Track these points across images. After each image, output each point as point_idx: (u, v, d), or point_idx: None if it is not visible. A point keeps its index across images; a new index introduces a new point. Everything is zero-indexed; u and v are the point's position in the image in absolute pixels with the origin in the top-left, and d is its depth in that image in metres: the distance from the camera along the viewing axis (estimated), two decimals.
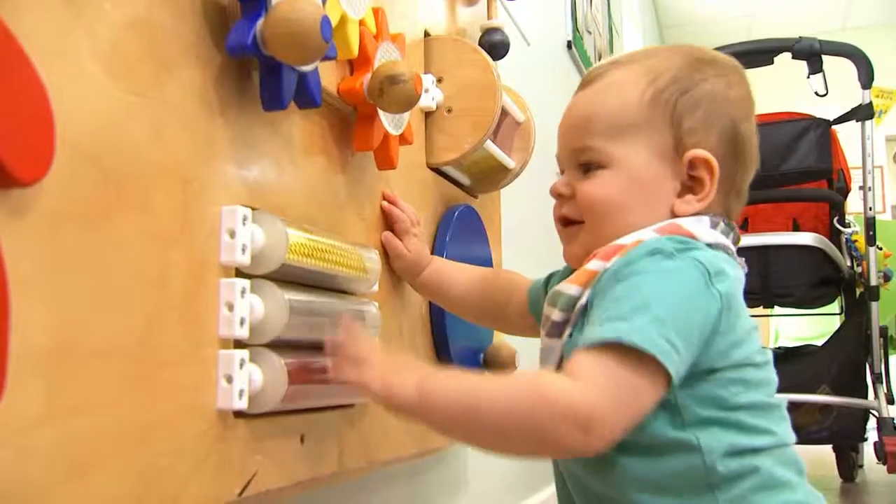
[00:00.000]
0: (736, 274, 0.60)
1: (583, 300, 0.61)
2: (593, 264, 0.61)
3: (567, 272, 0.71)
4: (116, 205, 0.44)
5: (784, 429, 0.61)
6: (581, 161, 0.67)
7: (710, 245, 0.61)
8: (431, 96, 0.89)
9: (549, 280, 0.77)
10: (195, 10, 0.53)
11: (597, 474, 0.60)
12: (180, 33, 0.51)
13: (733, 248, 0.64)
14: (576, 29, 2.18)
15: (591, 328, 0.56)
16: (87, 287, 0.42)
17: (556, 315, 0.62)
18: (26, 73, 0.38)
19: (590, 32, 2.42)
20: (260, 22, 0.53)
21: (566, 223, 0.68)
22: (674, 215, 0.64)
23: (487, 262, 1.02)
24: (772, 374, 0.62)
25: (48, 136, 0.39)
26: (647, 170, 0.64)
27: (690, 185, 0.64)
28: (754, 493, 0.57)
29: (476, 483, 1.26)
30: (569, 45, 2.13)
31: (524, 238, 1.49)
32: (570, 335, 0.61)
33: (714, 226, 0.63)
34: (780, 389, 0.63)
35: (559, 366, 0.63)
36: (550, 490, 1.51)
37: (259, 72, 0.57)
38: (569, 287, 0.62)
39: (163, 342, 0.47)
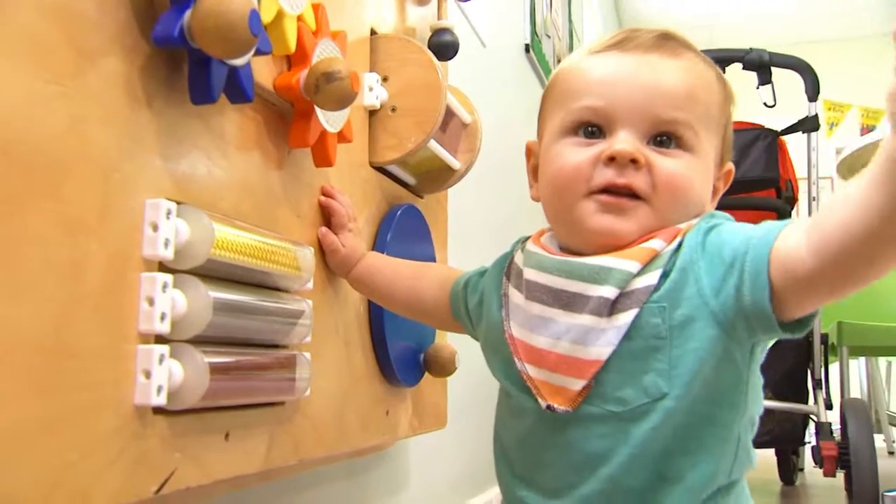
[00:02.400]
0: None
1: (647, 280, 0.58)
2: (654, 242, 0.60)
3: (500, 268, 0.70)
4: (27, 195, 0.43)
5: None
6: (666, 131, 0.62)
7: None
8: (376, 95, 0.89)
9: (469, 279, 0.77)
10: None
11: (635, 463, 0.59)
12: (103, 22, 0.50)
13: None
14: (534, 32, 2.20)
15: (757, 237, 0.57)
16: None
17: (605, 291, 0.59)
18: None
19: (549, 36, 2.43)
20: (188, 13, 0.53)
21: (623, 193, 0.61)
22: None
23: (429, 262, 1.03)
24: None
25: None
26: (711, 166, 0.67)
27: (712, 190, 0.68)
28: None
29: (418, 483, 1.26)
30: (527, 49, 2.14)
31: (471, 239, 1.50)
32: (641, 310, 0.57)
33: None
34: None
35: (617, 348, 0.58)
36: (494, 490, 1.52)
37: (188, 64, 0.56)
38: (623, 262, 0.59)
39: (75, 335, 0.46)
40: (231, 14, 0.51)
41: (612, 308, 0.59)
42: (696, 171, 0.63)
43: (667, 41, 0.65)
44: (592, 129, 0.64)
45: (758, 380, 0.63)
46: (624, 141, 0.62)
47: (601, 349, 0.59)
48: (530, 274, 0.65)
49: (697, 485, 0.58)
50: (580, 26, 3.18)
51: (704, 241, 0.59)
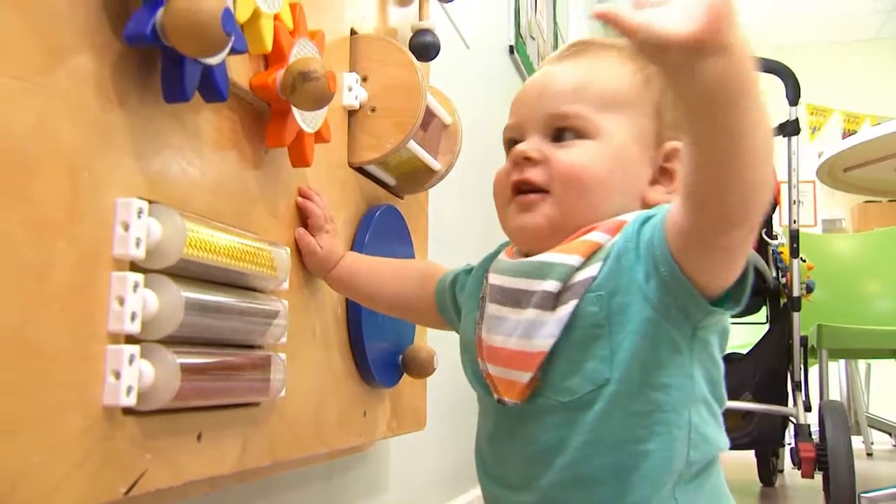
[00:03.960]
0: None
1: (588, 272, 0.60)
2: (596, 236, 0.61)
3: (488, 261, 0.71)
4: None
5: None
6: (560, 126, 0.65)
7: None
8: (355, 95, 0.88)
9: (456, 276, 0.77)
10: None
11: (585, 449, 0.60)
12: (73, 18, 0.49)
13: None
14: (518, 34, 2.20)
15: (661, 214, 0.58)
16: None
17: (548, 285, 0.61)
18: None
19: (533, 38, 2.44)
20: (161, 11, 0.52)
21: (526, 190, 0.64)
22: (644, 203, 0.64)
23: None
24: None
25: None
26: (630, 149, 0.65)
27: (659, 177, 0.65)
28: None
29: (398, 485, 1.26)
30: (511, 50, 2.15)
31: (452, 239, 1.50)
32: (580, 300, 0.59)
33: None
34: None
35: (558, 341, 0.60)
36: (475, 492, 1.52)
37: (161, 62, 0.56)
38: (564, 256, 0.61)
39: (41, 335, 0.46)
40: (203, 13, 0.51)
41: (555, 301, 0.61)
42: (599, 155, 0.64)
43: (577, 47, 0.69)
44: (513, 144, 0.68)
45: (714, 367, 0.63)
46: (523, 144, 0.66)
47: (544, 341, 0.60)
48: (492, 279, 0.67)
49: (654, 472, 0.59)
50: (565, 28, 3.19)
51: (640, 229, 0.60)
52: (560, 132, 0.65)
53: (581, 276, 0.60)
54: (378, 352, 0.93)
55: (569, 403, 0.60)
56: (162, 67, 0.56)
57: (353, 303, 0.88)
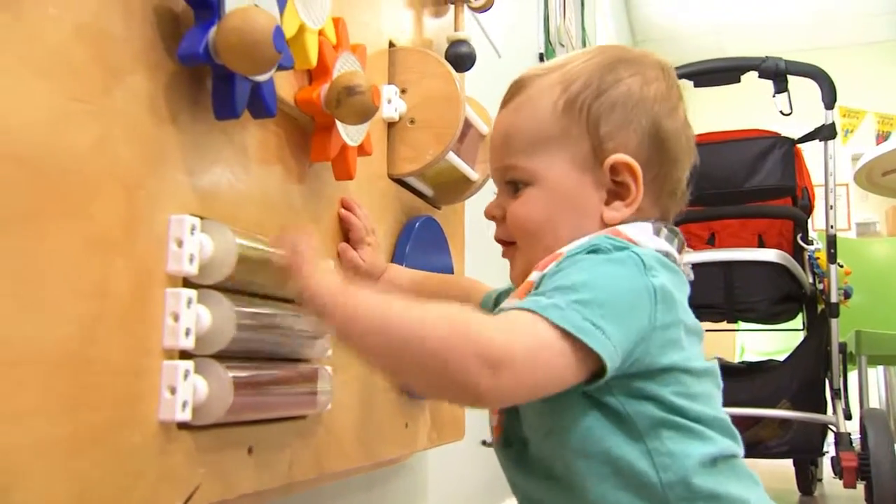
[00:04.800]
0: (674, 277, 0.59)
1: None
2: (532, 276, 0.60)
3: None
4: (53, 212, 0.43)
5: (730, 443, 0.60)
6: (507, 179, 0.67)
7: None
8: (394, 107, 0.89)
9: (499, 295, 0.77)
10: (146, 17, 0.52)
11: (560, 495, 0.59)
12: (129, 39, 0.50)
13: (678, 255, 0.63)
14: (548, 41, 2.20)
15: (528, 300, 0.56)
16: (17, 294, 0.41)
17: None
18: None
19: (563, 45, 2.43)
20: (213, 30, 0.53)
21: (504, 244, 0.68)
22: (605, 224, 0.62)
23: (448, 273, 1.02)
24: (712, 388, 0.61)
25: None
26: (568, 181, 0.63)
27: (617, 191, 0.63)
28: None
29: (436, 494, 1.25)
30: (541, 58, 2.15)
31: (488, 250, 1.49)
32: None
33: (657, 232, 0.62)
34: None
35: None
36: (512, 501, 1.51)
37: (212, 80, 0.56)
38: (511, 303, 0.60)
39: (100, 352, 0.47)
40: (256, 32, 0.51)
41: None
42: (538, 199, 0.64)
43: (511, 91, 0.69)
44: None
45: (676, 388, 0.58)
46: (493, 200, 0.69)
47: None
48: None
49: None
50: (592, 34, 3.18)
51: (556, 269, 0.58)
52: (512, 183, 0.66)
53: None
54: None
55: (521, 451, 0.62)
56: (213, 85, 0.56)
57: None
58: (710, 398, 0.60)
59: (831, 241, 2.13)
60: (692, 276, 0.65)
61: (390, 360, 0.53)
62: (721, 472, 0.58)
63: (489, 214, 0.68)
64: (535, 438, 0.61)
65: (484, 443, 0.63)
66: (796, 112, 2.06)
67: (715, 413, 0.59)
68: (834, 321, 2.12)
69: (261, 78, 0.58)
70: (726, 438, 0.60)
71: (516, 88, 0.68)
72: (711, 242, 2.40)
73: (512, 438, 0.63)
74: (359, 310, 0.53)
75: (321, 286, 0.54)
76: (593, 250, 0.57)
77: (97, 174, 0.47)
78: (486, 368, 0.48)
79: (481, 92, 1.19)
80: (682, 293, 0.60)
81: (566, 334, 0.51)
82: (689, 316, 0.60)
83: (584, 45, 2.88)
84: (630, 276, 0.55)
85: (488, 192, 1.22)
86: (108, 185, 0.48)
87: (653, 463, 0.56)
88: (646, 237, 0.61)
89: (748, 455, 0.64)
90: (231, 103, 0.56)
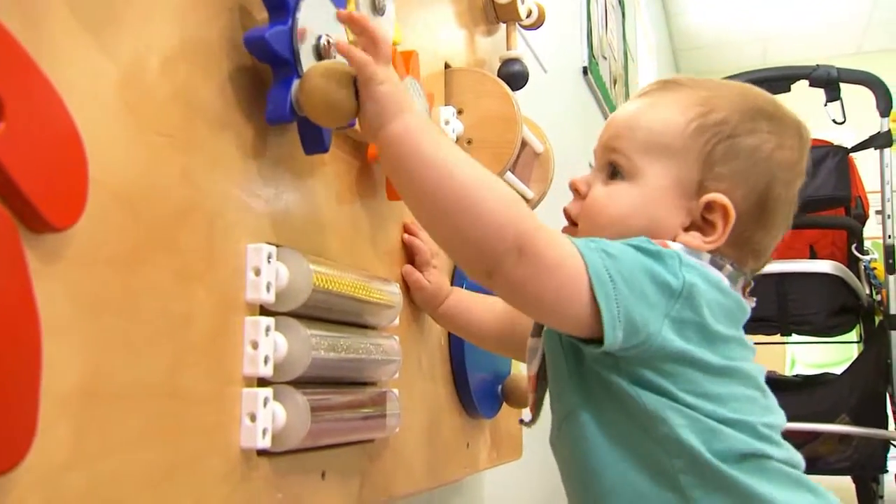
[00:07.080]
0: (719, 295, 0.59)
1: None
2: None
3: None
4: (146, 246, 0.44)
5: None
6: (610, 160, 0.66)
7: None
8: (452, 128, 0.89)
9: None
10: (227, 64, 0.53)
11: (582, 475, 0.63)
12: (220, 104, 0.52)
13: (729, 285, 0.62)
14: (591, 55, 2.19)
15: None
16: (115, 329, 0.42)
17: None
18: (61, 119, 0.38)
19: (605, 58, 2.42)
20: (295, 85, 0.54)
21: (568, 220, 0.68)
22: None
23: None
24: (738, 389, 0.60)
25: (81, 182, 0.39)
26: (663, 194, 0.63)
27: (702, 226, 0.63)
28: None
29: None
30: (584, 71, 2.14)
31: None
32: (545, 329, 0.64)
33: (719, 267, 0.61)
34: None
35: (541, 366, 0.66)
36: None
37: (297, 124, 0.58)
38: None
39: (188, 382, 0.47)
40: (338, 93, 0.53)
41: (539, 328, 0.67)
42: (625, 196, 0.64)
43: (657, 85, 0.69)
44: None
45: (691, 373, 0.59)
46: (586, 174, 0.68)
47: (533, 367, 0.68)
48: None
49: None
50: (633, 46, 3.16)
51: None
52: (612, 166, 0.66)
53: None
54: (479, 382, 0.93)
55: (561, 426, 0.64)
56: (299, 128, 0.58)
57: (454, 335, 0.88)
58: (730, 400, 0.59)
59: (889, 251, 2.08)
60: (753, 304, 0.64)
61: (436, 196, 0.54)
62: (746, 468, 0.58)
63: (574, 186, 0.68)
64: (558, 418, 0.65)
65: (521, 421, 0.67)
66: (845, 121, 2.02)
67: (738, 416, 0.58)
68: (894, 333, 2.06)
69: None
70: (752, 439, 0.58)
71: (663, 86, 0.68)
72: None
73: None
74: (426, 136, 0.54)
75: (390, 96, 0.54)
76: (638, 246, 0.58)
77: (183, 206, 0.48)
78: (515, 249, 0.53)
79: (528, 107, 1.19)
80: (722, 310, 0.59)
81: (589, 281, 0.54)
82: (733, 333, 0.60)
83: (625, 56, 2.86)
84: (660, 263, 0.57)
85: (544, 210, 1.22)
86: (192, 217, 0.49)
87: (665, 450, 0.58)
88: (695, 259, 0.60)
89: (807, 472, 0.63)
90: (321, 140, 0.58)
